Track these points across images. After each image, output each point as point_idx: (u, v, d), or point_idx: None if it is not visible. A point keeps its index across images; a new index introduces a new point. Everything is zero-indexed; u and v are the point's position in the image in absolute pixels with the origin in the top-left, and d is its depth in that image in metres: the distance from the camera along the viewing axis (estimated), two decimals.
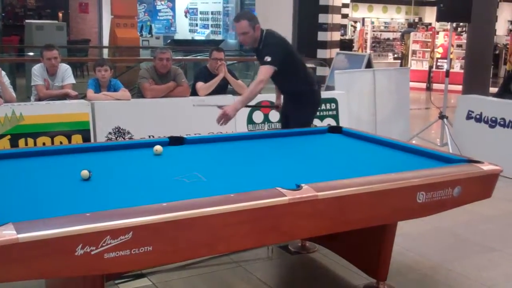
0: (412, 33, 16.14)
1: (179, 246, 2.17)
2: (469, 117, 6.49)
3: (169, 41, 16.33)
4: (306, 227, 2.50)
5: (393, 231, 3.15)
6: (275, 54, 4.09)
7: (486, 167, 2.99)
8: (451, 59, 12.11)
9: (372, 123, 6.95)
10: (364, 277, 3.34)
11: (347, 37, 18.72)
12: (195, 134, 4.80)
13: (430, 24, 19.96)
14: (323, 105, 6.09)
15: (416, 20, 21.18)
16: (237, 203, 2.25)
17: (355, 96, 6.74)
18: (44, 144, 4.73)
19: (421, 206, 2.78)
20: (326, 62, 10.20)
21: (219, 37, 18.65)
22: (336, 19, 11.08)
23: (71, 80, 5.36)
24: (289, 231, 2.47)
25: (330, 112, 6.31)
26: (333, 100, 6.35)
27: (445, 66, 9.31)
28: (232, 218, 2.23)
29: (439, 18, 7.55)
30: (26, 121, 4.73)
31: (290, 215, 2.38)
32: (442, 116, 7.11)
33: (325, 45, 10.81)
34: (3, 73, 5.00)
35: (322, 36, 10.81)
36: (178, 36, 19.23)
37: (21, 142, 4.70)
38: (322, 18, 10.78)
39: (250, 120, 5.80)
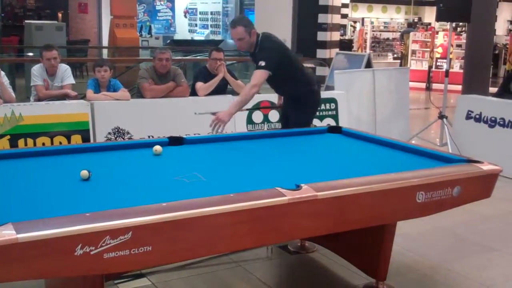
0: (411, 33, 16.13)
1: (179, 246, 2.17)
2: (468, 117, 6.49)
3: (168, 41, 16.32)
4: (305, 227, 2.50)
5: (392, 231, 3.15)
6: (269, 58, 4.09)
7: (486, 167, 2.99)
8: (450, 59, 12.11)
9: (371, 123, 6.95)
10: (363, 277, 3.33)
11: (346, 37, 18.70)
12: (194, 134, 4.80)
13: (429, 24, 19.93)
14: (322, 105, 6.09)
15: (416, 20, 21.15)
16: (236, 203, 2.25)
17: (354, 96, 6.73)
18: (43, 144, 4.73)
19: (421, 206, 2.78)
20: (326, 62, 10.20)
21: (218, 37, 18.63)
22: (336, 19, 11.08)
23: (70, 80, 5.36)
24: (289, 231, 2.47)
25: (330, 112, 6.31)
26: (332, 100, 6.35)
27: (445, 66, 9.29)
28: (231, 218, 2.23)
29: (438, 18, 7.56)
30: (25, 121, 4.73)
31: (289, 215, 2.38)
32: (441, 116, 7.12)
33: (324, 45, 10.81)
34: (3, 73, 4.99)
35: (321, 36, 10.82)
36: (178, 36, 19.23)
37: (21, 142, 4.70)
38: (322, 18, 10.78)
39: (249, 120, 5.80)
